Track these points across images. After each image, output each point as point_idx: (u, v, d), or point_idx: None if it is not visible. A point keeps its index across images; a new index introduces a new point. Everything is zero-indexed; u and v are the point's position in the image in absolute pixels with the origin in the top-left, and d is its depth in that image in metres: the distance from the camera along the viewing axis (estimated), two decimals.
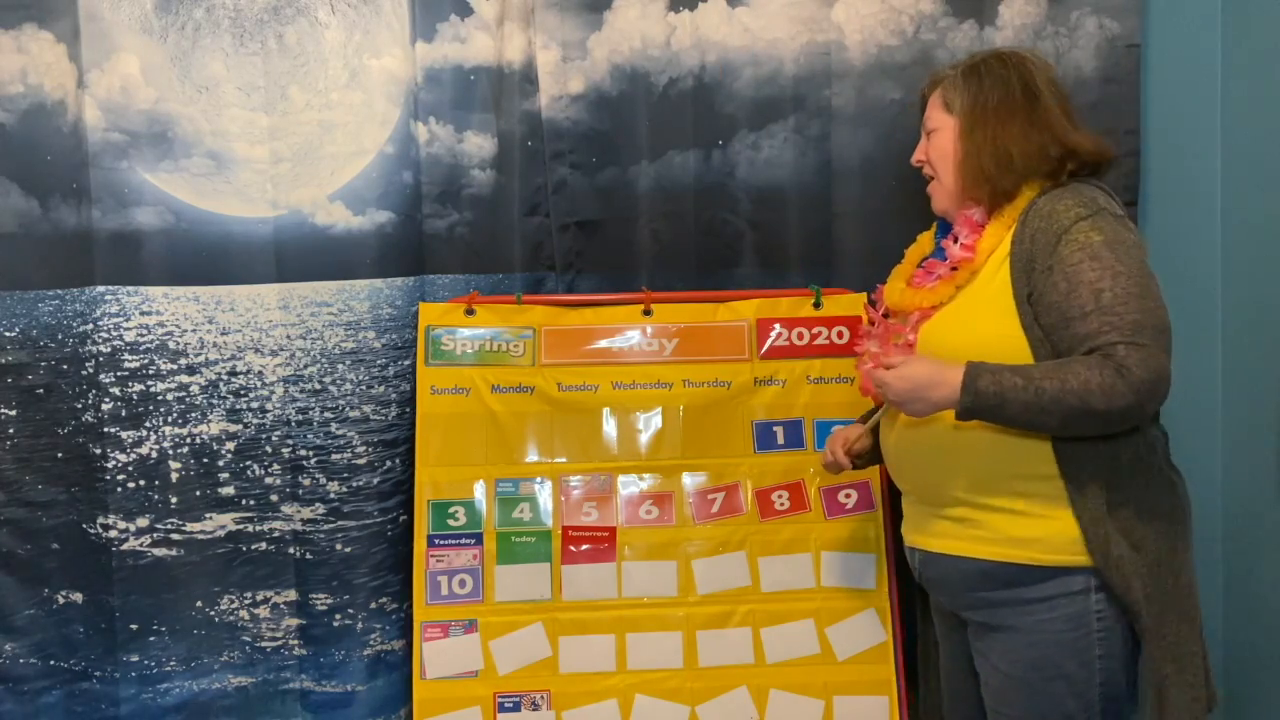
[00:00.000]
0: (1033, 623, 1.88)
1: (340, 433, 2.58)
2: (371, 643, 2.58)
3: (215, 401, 2.56)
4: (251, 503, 2.57)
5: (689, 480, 2.51)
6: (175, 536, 2.55)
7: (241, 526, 2.57)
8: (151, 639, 2.55)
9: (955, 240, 1.96)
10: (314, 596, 2.57)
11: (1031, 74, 1.96)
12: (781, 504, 2.49)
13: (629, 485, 2.50)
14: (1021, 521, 1.87)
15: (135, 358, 2.54)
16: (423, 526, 2.46)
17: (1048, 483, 1.86)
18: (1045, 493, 1.86)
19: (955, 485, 1.91)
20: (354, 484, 2.57)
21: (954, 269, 1.94)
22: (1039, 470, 1.86)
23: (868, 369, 2.00)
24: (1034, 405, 1.76)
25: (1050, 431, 1.82)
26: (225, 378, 2.57)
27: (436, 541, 2.45)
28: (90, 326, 2.53)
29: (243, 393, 2.57)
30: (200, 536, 2.56)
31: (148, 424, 2.55)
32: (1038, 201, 1.89)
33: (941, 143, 2.00)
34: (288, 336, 2.58)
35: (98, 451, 2.53)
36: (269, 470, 2.57)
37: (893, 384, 1.86)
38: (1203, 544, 2.65)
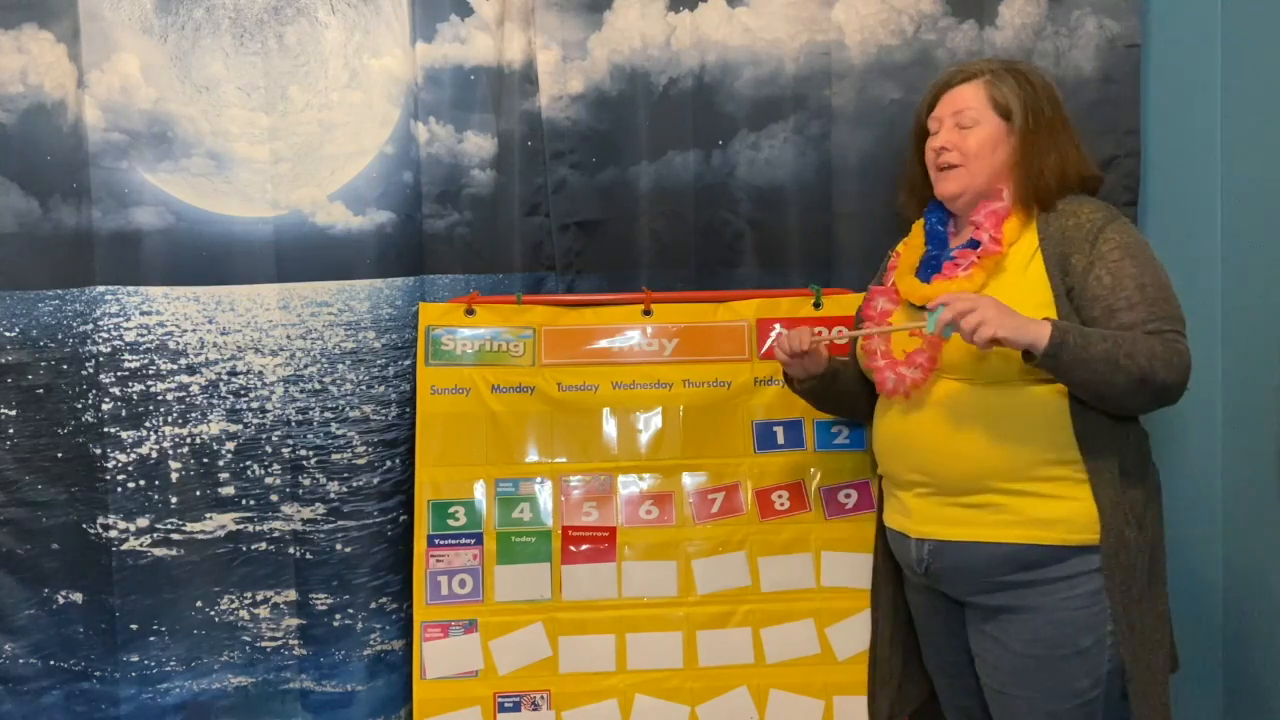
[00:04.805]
0: (1055, 602, 1.94)
1: (340, 433, 2.58)
2: (371, 643, 2.58)
3: (215, 401, 2.56)
4: (251, 503, 2.57)
5: (689, 480, 2.50)
6: (175, 536, 2.55)
7: (241, 526, 2.57)
8: (151, 639, 2.55)
9: (978, 229, 2.00)
10: (314, 596, 2.57)
11: (1059, 98, 2.06)
12: (781, 504, 2.49)
13: (629, 485, 2.50)
14: (1047, 504, 1.94)
15: (135, 358, 2.54)
16: (423, 526, 2.45)
17: (1070, 466, 1.94)
18: (1068, 475, 1.94)
19: (981, 473, 1.96)
20: (354, 484, 2.57)
21: (981, 259, 1.98)
22: (1063, 455, 1.94)
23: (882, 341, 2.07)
24: (1110, 357, 1.81)
25: (1108, 392, 1.85)
26: (225, 378, 2.57)
27: (436, 541, 2.45)
28: (90, 326, 2.53)
29: (243, 393, 2.57)
30: (200, 536, 2.56)
31: (148, 424, 2.55)
32: (1056, 204, 2.00)
33: (983, 137, 2.02)
34: (288, 336, 2.58)
35: (98, 451, 2.53)
36: (269, 470, 2.57)
37: (978, 297, 1.84)
38: (1203, 544, 2.68)
